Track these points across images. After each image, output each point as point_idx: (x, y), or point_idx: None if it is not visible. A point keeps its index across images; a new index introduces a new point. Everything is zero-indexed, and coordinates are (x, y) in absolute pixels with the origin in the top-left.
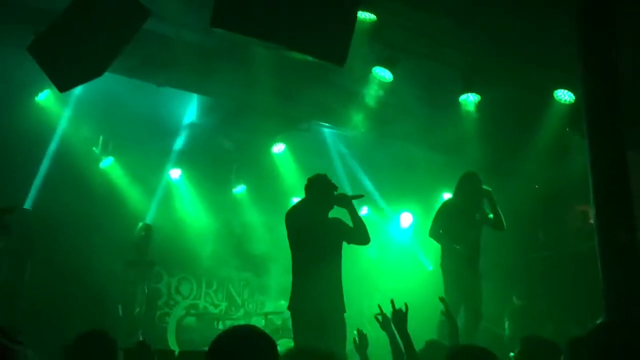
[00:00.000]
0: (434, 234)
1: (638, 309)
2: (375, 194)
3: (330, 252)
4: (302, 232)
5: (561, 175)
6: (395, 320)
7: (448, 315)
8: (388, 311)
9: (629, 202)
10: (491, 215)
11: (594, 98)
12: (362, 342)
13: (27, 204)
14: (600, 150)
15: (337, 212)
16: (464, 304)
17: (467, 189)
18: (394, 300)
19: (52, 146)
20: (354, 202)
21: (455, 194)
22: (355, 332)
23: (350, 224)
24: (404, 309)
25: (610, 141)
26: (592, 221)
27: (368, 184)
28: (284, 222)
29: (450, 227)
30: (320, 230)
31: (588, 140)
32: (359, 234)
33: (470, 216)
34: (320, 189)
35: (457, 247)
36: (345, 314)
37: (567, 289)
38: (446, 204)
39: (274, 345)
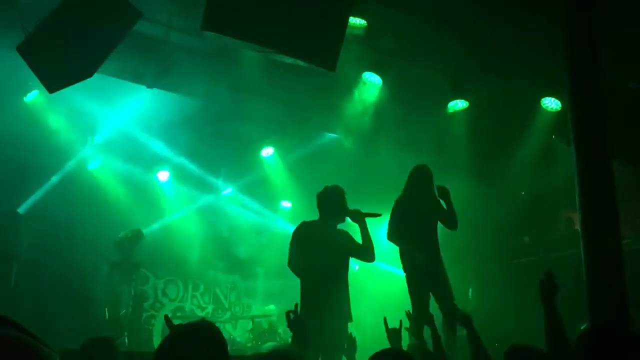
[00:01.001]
0: (392, 236)
1: (622, 314)
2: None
3: (339, 269)
4: (312, 247)
5: (547, 181)
6: (391, 338)
7: (414, 332)
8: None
9: (615, 208)
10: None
11: (581, 106)
12: (351, 345)
13: (18, 207)
14: (586, 157)
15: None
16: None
17: (415, 184)
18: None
19: (41, 148)
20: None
21: (404, 191)
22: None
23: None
24: (397, 326)
25: (596, 148)
26: (577, 227)
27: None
28: (271, 225)
29: (401, 228)
30: (331, 247)
31: (574, 147)
32: (366, 253)
33: (421, 215)
34: (336, 201)
35: (416, 258)
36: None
37: None
38: (397, 202)
39: (220, 344)
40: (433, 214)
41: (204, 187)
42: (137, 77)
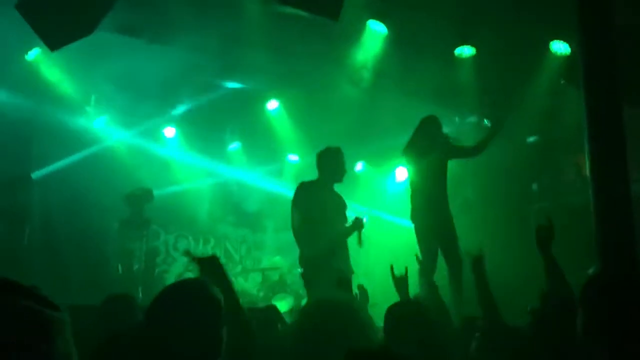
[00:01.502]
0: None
1: (631, 261)
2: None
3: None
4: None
5: (556, 127)
6: (398, 285)
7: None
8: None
9: (624, 154)
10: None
11: (591, 49)
12: (363, 297)
13: (27, 168)
14: (595, 102)
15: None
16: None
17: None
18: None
19: (45, 107)
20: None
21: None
22: (356, 287)
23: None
24: (404, 272)
25: (606, 93)
26: (586, 173)
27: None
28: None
29: (415, 181)
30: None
31: (584, 91)
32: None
33: (432, 165)
34: (335, 164)
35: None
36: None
37: (561, 241)
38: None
39: (211, 300)
40: (443, 161)
41: (210, 141)
42: (138, 33)
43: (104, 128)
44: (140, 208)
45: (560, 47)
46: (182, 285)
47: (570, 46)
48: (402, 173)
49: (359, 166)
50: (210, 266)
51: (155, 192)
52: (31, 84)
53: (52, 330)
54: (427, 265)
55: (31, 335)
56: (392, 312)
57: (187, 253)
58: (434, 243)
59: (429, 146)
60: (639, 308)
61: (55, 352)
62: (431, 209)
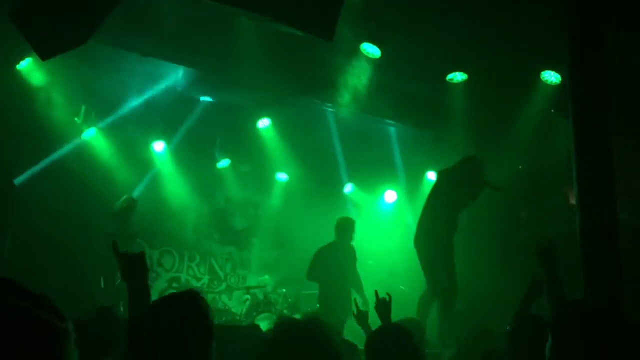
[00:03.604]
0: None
1: (616, 290)
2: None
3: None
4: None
5: (545, 155)
6: (379, 309)
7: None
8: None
9: (612, 183)
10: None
11: (581, 79)
12: (361, 314)
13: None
14: (584, 131)
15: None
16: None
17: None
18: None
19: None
20: None
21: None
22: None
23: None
24: (387, 298)
25: (595, 123)
26: (573, 202)
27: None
28: (266, 197)
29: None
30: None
31: (573, 121)
32: None
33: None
34: (350, 230)
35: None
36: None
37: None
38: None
39: (201, 314)
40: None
41: (200, 157)
42: (131, 46)
43: (94, 139)
44: (125, 222)
45: (551, 76)
46: (173, 299)
47: (561, 75)
48: (391, 195)
49: (348, 187)
50: (133, 265)
51: (142, 203)
52: (21, 93)
53: (60, 340)
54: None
55: (40, 344)
56: (372, 338)
57: (114, 244)
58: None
59: (460, 181)
60: (612, 339)
61: None
62: (434, 242)
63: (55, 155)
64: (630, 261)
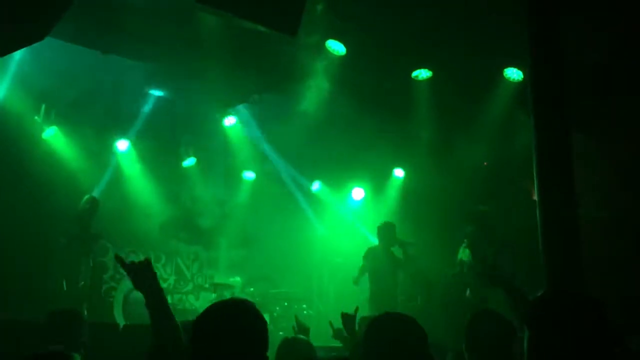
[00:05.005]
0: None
1: (577, 283)
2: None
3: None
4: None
5: (507, 152)
6: (345, 322)
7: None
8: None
9: (571, 179)
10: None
11: (541, 76)
12: (301, 328)
13: None
14: (544, 128)
15: None
16: None
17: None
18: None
19: None
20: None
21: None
22: (294, 320)
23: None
24: (352, 312)
25: (554, 119)
26: (535, 197)
27: (318, 159)
28: (234, 195)
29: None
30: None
31: (533, 117)
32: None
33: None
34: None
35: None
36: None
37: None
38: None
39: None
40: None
41: (165, 156)
42: (91, 42)
43: (54, 137)
44: (88, 223)
45: (514, 73)
46: (227, 305)
47: (523, 72)
48: (359, 193)
49: (315, 185)
50: (142, 273)
51: (105, 202)
52: None
53: None
54: None
55: None
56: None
57: (117, 257)
58: None
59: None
60: (584, 327)
61: None
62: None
63: (14, 155)
64: (599, 252)
